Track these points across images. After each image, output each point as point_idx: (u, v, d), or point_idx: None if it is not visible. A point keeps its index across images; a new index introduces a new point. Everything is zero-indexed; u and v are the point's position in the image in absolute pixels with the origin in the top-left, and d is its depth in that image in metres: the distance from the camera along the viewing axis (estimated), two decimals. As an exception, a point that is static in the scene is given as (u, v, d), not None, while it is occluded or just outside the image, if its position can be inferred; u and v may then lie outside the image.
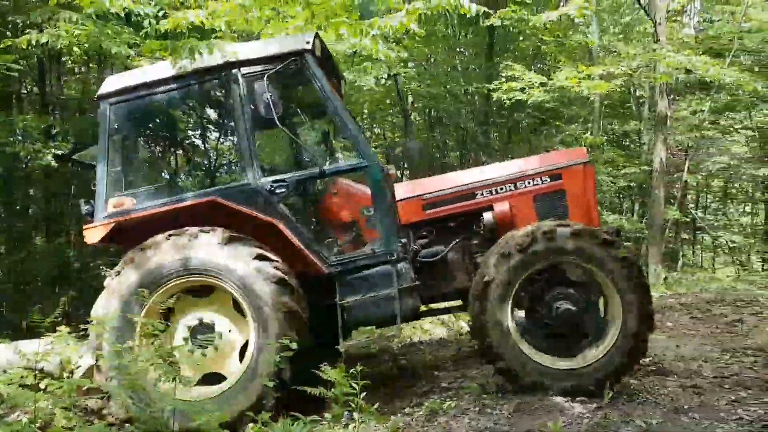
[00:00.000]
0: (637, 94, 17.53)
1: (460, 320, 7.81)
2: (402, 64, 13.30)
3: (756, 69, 17.41)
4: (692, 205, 21.28)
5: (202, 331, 4.65)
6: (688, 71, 13.40)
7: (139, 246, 4.68)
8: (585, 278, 4.65)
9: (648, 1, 14.45)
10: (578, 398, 4.41)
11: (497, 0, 13.24)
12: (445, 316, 7.34)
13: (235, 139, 5.36)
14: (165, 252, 4.62)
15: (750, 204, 22.94)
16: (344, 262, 4.96)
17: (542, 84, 11.70)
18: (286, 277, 4.61)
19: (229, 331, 4.72)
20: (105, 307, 4.61)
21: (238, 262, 4.56)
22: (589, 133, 15.86)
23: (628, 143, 19.31)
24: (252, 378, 4.47)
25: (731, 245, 19.15)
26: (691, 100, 17.20)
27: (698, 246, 22.76)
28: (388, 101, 18.62)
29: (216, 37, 6.57)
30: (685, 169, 16.38)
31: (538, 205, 5.23)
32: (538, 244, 4.51)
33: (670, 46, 12.96)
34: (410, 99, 18.39)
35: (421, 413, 4.31)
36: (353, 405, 3.89)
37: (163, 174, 6.48)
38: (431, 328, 8.11)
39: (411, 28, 6.39)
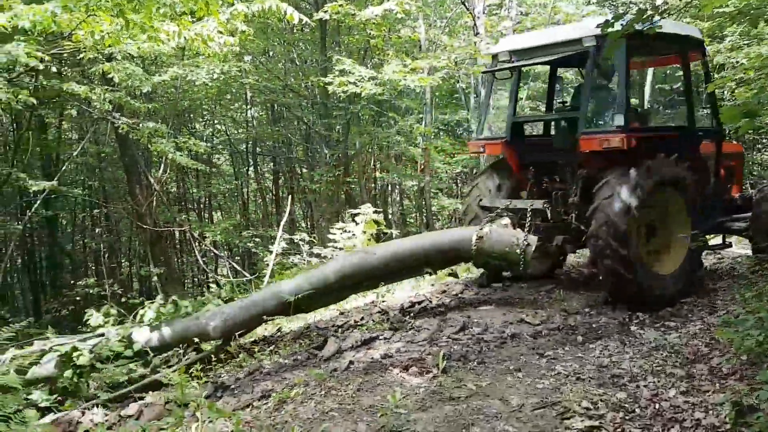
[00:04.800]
0: (464, 84, 18.60)
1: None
2: (236, 58, 13.10)
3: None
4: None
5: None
6: (505, 61, 14.45)
7: (651, 157, 6.30)
8: None
9: (467, -4, 15.39)
10: (416, 370, 4.74)
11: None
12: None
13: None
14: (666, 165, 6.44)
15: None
16: None
17: (372, 78, 12.07)
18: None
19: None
20: (626, 198, 6.08)
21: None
22: (423, 123, 16.60)
23: (460, 131, 20.48)
24: (686, 268, 6.67)
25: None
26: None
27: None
28: (228, 96, 18.15)
29: (22, 40, 6.16)
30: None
31: (729, 171, 8.06)
32: None
33: (488, 39, 13.91)
34: (248, 94, 18.09)
35: (269, 404, 4.38)
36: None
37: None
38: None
39: (237, 27, 6.36)
